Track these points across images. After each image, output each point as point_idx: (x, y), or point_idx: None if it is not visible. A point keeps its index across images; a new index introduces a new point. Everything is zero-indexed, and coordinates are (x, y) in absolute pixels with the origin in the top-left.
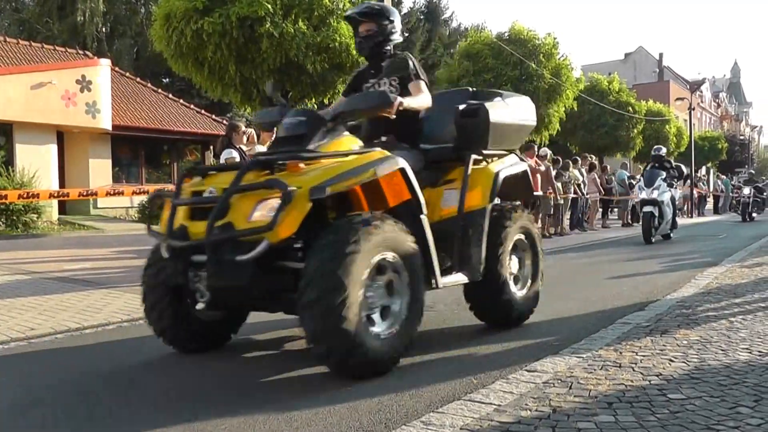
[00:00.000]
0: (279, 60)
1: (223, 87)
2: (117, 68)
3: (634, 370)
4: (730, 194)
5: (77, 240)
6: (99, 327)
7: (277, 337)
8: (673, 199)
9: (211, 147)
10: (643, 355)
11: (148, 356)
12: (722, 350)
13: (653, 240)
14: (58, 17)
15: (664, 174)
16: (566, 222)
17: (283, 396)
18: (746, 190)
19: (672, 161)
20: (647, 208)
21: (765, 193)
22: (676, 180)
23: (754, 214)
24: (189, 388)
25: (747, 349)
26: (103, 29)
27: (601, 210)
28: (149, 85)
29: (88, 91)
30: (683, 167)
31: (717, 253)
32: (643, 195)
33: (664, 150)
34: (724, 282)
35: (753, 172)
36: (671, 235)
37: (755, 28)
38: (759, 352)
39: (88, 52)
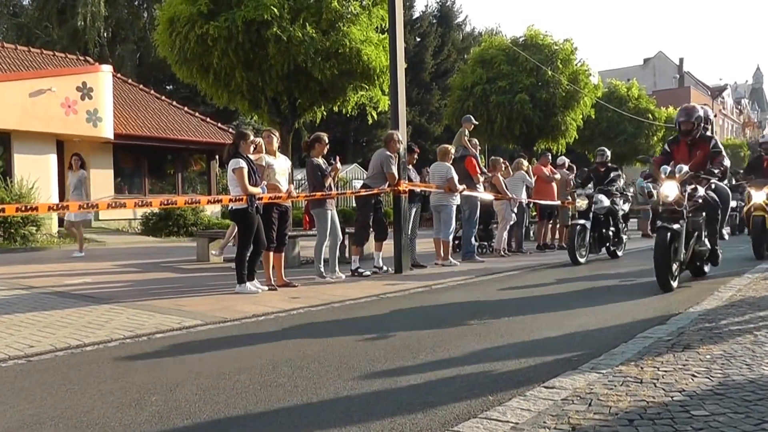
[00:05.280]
0: (286, 66)
1: (229, 94)
2: (119, 75)
3: (655, 386)
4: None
5: None
6: (101, 344)
7: (287, 353)
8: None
9: (216, 156)
10: (665, 371)
11: (151, 374)
12: (747, 365)
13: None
14: (58, 22)
15: None
16: None
17: (294, 414)
18: (582, 203)
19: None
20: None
21: (627, 203)
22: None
23: (581, 259)
24: (195, 405)
25: None
26: (105, 34)
27: None
28: (152, 92)
29: (89, 99)
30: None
31: (739, 264)
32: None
33: None
34: (747, 294)
35: (605, 151)
36: None
37: None
38: None
39: (89, 58)
